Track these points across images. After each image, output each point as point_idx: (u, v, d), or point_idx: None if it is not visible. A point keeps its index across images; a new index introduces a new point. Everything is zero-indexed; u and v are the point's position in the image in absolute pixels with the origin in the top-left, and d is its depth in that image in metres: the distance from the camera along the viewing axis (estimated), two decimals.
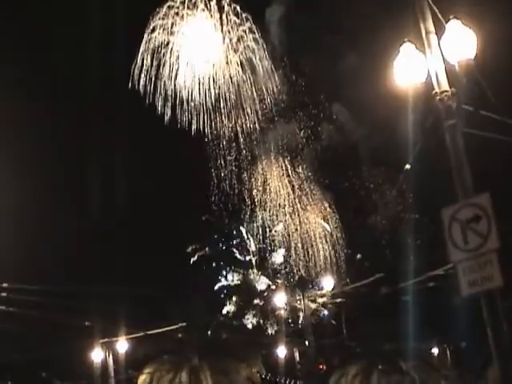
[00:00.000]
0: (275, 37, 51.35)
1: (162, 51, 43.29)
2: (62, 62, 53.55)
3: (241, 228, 60.17)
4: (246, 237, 59.91)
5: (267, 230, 56.54)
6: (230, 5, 43.31)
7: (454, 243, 10.43)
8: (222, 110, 45.89)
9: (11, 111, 43.01)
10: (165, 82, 43.91)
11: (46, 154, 50.51)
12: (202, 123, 45.98)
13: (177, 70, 43.99)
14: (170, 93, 44.37)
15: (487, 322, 10.22)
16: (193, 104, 44.94)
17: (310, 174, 55.54)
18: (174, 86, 44.22)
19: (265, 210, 55.75)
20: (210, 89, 44.58)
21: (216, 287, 60.91)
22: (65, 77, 52.63)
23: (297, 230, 55.34)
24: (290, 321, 48.22)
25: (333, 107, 55.32)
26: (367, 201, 51.95)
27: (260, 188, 55.52)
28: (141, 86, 43.56)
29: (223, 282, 61.18)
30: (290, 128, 54.95)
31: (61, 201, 50.89)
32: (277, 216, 55.60)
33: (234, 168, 52.64)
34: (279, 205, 55.46)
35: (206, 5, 43.24)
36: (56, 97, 52.42)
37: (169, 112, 44.86)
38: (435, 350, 46.79)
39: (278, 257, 58.51)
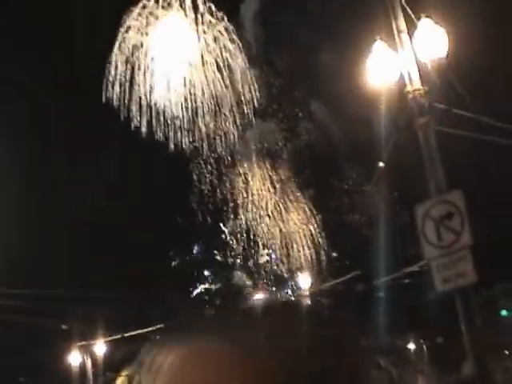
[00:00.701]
0: (251, 34, 51.36)
1: (136, 54, 43.12)
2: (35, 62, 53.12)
3: (224, 229, 60.14)
4: (228, 238, 59.87)
5: (250, 231, 56.67)
6: (204, 3, 43.16)
7: (428, 240, 10.51)
8: (200, 114, 45.81)
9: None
10: (139, 84, 43.78)
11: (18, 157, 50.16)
12: (179, 129, 45.89)
13: (151, 73, 43.85)
14: (144, 99, 44.26)
15: (461, 318, 10.32)
16: (169, 110, 44.86)
17: (289, 173, 55.67)
18: (150, 90, 44.10)
19: (247, 211, 55.83)
20: (186, 91, 44.50)
21: (197, 290, 60.80)
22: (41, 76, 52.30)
23: (281, 230, 55.48)
24: None
25: (311, 104, 55.42)
26: (346, 199, 52.15)
27: (242, 189, 55.62)
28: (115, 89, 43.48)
29: (205, 286, 61.07)
30: (268, 127, 55.00)
31: (39, 201, 50.54)
32: (260, 216, 55.71)
33: (214, 171, 52.64)
34: (261, 206, 55.57)
35: (180, 4, 43.10)
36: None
37: (144, 119, 44.80)
38: (412, 346, 47.03)
39: (261, 258, 58.55)
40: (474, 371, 9.92)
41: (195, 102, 45.19)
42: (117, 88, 43.78)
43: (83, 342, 36.85)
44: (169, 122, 45.32)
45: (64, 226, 51.19)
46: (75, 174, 51.07)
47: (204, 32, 43.12)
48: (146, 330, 34.92)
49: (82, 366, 37.37)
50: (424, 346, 47.91)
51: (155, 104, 44.51)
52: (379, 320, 37.66)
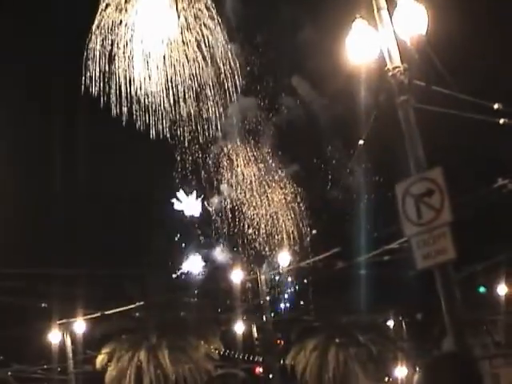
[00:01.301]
0: (230, 10, 51.13)
1: (116, 31, 42.70)
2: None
3: (208, 208, 60.28)
4: (214, 217, 60.00)
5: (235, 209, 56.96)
6: None
7: (408, 217, 10.56)
8: (180, 94, 45.54)
9: None
10: (119, 65, 43.44)
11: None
12: (161, 108, 45.64)
13: (131, 53, 43.50)
14: (124, 80, 43.93)
15: (441, 294, 10.38)
16: (150, 89, 44.59)
17: (272, 149, 55.78)
18: (129, 69, 43.79)
19: (232, 187, 56.05)
20: (166, 71, 44.18)
21: (180, 271, 60.96)
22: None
23: (264, 208, 55.67)
24: (248, 297, 48.39)
25: (292, 80, 55.41)
26: (328, 175, 52.26)
27: (226, 167, 55.71)
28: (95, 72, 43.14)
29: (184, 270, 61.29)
30: (250, 104, 54.95)
31: (20, 178, 50.43)
32: (245, 194, 55.91)
33: (197, 149, 52.51)
34: (245, 184, 55.76)
35: None
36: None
37: (125, 100, 44.54)
38: (391, 323, 47.33)
39: (243, 235, 58.81)
40: (454, 347, 10.00)
41: (176, 82, 44.92)
42: (96, 67, 43.40)
43: (63, 320, 36.79)
44: (148, 102, 45.02)
45: (44, 205, 51.20)
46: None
47: (184, 9, 42.73)
48: (126, 307, 34.90)
49: (62, 344, 37.35)
50: (403, 323, 48.24)
51: (135, 85, 44.22)
52: (359, 297, 37.92)
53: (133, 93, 44.59)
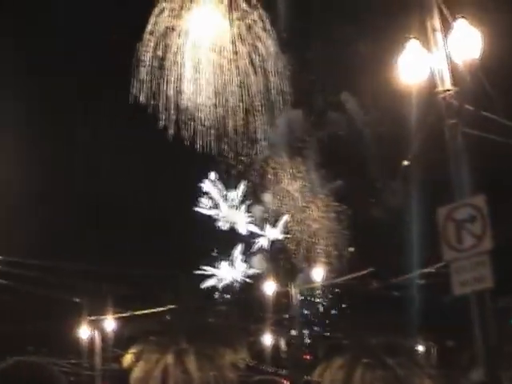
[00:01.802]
0: (284, 23, 51.18)
1: (169, 37, 42.62)
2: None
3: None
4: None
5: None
6: None
7: (448, 242, 10.46)
8: (229, 104, 45.40)
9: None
10: (170, 68, 43.43)
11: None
12: (209, 118, 45.55)
13: (182, 61, 43.47)
14: (173, 88, 43.90)
15: (475, 322, 10.25)
16: (199, 99, 44.46)
17: (314, 164, 55.83)
18: (180, 78, 43.77)
19: (274, 199, 56.31)
20: (216, 81, 44.02)
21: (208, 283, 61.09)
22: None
23: (304, 222, 55.73)
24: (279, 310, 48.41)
25: (341, 95, 55.32)
26: (371, 193, 51.98)
27: (270, 179, 55.91)
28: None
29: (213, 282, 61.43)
30: (297, 117, 54.95)
31: (53, 177, 51.01)
32: (287, 206, 56.22)
33: (242, 160, 52.39)
34: (288, 195, 55.93)
35: None
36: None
37: (172, 114, 44.56)
38: (420, 348, 46.85)
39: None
40: (483, 378, 9.86)
41: (225, 92, 44.74)
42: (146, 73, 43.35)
43: (93, 317, 37.01)
44: (195, 112, 44.89)
45: (80, 203, 51.75)
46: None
47: (237, 19, 42.67)
48: (157, 309, 35.02)
49: (91, 340, 37.57)
50: (433, 348, 47.73)
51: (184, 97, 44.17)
52: (390, 319, 37.59)
53: (181, 102, 44.51)
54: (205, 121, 45.32)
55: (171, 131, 44.95)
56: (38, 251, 36.75)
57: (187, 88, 43.91)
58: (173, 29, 42.52)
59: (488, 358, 10.04)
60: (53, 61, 51.68)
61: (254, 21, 42.95)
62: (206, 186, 61.53)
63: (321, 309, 60.35)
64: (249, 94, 45.59)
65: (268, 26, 43.39)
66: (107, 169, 51.94)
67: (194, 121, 45.19)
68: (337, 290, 55.81)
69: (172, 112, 44.24)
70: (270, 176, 56.68)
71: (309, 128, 57.29)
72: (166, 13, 42.06)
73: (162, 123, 44.46)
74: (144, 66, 42.80)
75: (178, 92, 43.99)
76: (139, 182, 52.49)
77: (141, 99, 43.10)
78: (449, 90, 11.34)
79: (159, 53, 42.73)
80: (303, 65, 53.99)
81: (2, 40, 45.65)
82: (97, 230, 51.61)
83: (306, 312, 56.70)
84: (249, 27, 43.23)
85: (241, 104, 45.69)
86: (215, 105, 44.77)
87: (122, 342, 37.74)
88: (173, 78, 43.60)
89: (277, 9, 50.72)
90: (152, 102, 43.55)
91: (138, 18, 43.20)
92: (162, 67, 43.26)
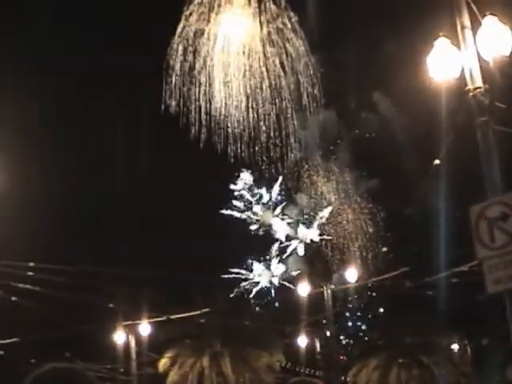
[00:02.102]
0: (315, 23, 51.12)
1: (197, 40, 42.55)
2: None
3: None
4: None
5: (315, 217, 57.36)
6: None
7: (481, 241, 10.43)
8: (260, 107, 45.25)
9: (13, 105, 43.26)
10: (200, 73, 43.40)
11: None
12: (241, 124, 45.45)
13: (211, 64, 43.38)
14: (204, 92, 43.85)
15: (510, 321, 10.22)
16: (229, 103, 44.35)
17: (348, 164, 55.83)
18: (210, 82, 43.72)
19: (309, 199, 56.46)
20: (246, 83, 43.90)
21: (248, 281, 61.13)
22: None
23: (339, 223, 55.79)
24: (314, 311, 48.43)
25: (374, 95, 55.17)
26: (405, 192, 51.68)
27: (303, 180, 56.03)
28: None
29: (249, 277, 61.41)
30: (329, 117, 54.89)
31: (87, 186, 51.51)
32: (321, 205, 56.36)
33: (275, 160, 52.23)
34: (322, 196, 56.06)
35: None
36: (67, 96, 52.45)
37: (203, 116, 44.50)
38: (455, 346, 46.55)
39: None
40: None
41: (255, 95, 44.57)
42: (176, 80, 43.31)
43: (128, 322, 37.22)
44: (226, 117, 44.79)
45: (109, 206, 52.17)
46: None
47: (267, 21, 42.50)
48: (191, 313, 35.14)
49: (126, 345, 37.77)
50: (468, 347, 47.43)
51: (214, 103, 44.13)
52: (425, 318, 37.42)
53: (212, 106, 44.47)
54: (236, 125, 45.25)
55: (203, 136, 44.87)
56: (71, 257, 37.12)
57: (218, 92, 43.88)
58: (201, 33, 42.46)
59: None
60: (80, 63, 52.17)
61: (283, 23, 42.74)
62: (239, 186, 61.60)
63: (355, 310, 60.19)
64: (280, 97, 45.49)
65: (297, 27, 43.10)
66: (137, 172, 52.32)
67: (227, 126, 45.12)
68: (370, 292, 55.58)
69: (203, 117, 44.19)
70: (303, 178, 56.70)
71: (342, 129, 57.25)
72: (195, 16, 41.98)
73: (193, 132, 44.42)
74: (173, 71, 42.78)
75: (208, 97, 43.97)
76: (172, 187, 52.83)
77: (172, 106, 43.07)
78: (479, 88, 11.30)
79: (188, 57, 42.68)
80: (334, 65, 53.97)
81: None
82: (131, 234, 51.94)
83: (341, 313, 56.58)
84: (278, 29, 43.06)
85: (272, 106, 45.58)
86: (246, 108, 44.67)
87: (157, 346, 37.91)
88: (203, 83, 43.58)
89: (306, 9, 50.70)
90: (183, 108, 43.49)
91: (164, 22, 43.40)
92: (191, 73, 43.23)
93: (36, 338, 34.69)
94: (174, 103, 43.00)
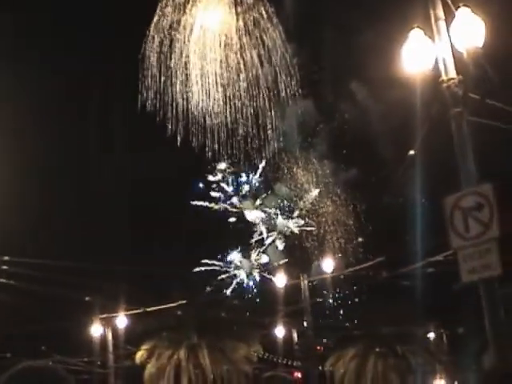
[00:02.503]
0: (290, 13, 51.01)
1: (173, 33, 42.38)
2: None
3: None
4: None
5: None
6: None
7: (456, 230, 10.52)
8: (237, 99, 45.17)
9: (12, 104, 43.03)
10: (175, 63, 43.25)
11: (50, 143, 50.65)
12: (219, 116, 45.32)
13: (187, 56, 43.25)
14: (180, 85, 43.70)
15: (485, 309, 10.32)
16: (206, 96, 44.22)
17: (325, 154, 55.88)
18: (185, 67, 43.57)
19: (288, 190, 56.51)
20: (222, 75, 43.81)
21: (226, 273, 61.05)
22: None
23: (317, 214, 55.89)
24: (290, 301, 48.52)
25: (351, 85, 55.19)
26: (380, 183, 51.84)
27: (282, 170, 56.05)
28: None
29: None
30: (307, 107, 54.84)
31: (61, 177, 51.27)
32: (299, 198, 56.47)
33: (253, 153, 52.23)
34: (300, 186, 56.05)
35: None
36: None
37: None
38: (431, 335, 46.84)
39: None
40: (495, 364, 9.93)
41: (232, 86, 44.51)
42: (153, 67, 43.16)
43: (105, 315, 37.15)
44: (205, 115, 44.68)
45: (85, 200, 52.02)
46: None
47: (243, 12, 42.41)
48: (168, 305, 35.12)
49: (103, 338, 37.70)
50: (444, 336, 47.77)
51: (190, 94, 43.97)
52: (400, 308, 37.63)
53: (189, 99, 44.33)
54: (214, 117, 45.18)
55: (180, 130, 44.76)
56: (47, 251, 36.95)
57: (195, 83, 43.79)
58: (178, 24, 42.32)
59: (498, 343, 10.12)
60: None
61: (259, 13, 42.64)
62: (217, 178, 61.37)
63: (332, 300, 60.36)
64: (258, 88, 45.45)
65: (273, 18, 43.05)
66: (116, 167, 52.17)
67: (204, 118, 45.03)
68: (348, 281, 55.72)
69: (180, 111, 44.09)
70: (283, 169, 56.68)
71: (319, 119, 57.23)
72: (169, 9, 41.83)
73: (170, 129, 44.31)
74: (150, 64, 42.63)
75: (185, 90, 43.87)
76: (146, 182, 52.62)
77: (148, 102, 42.96)
78: (453, 79, 11.37)
79: (164, 49, 42.56)
80: (311, 55, 53.91)
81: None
82: (106, 227, 51.78)
83: (317, 303, 56.79)
84: (254, 19, 42.96)
85: (250, 98, 45.54)
86: (224, 99, 44.62)
87: (134, 338, 37.87)
88: (179, 74, 43.48)
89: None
90: (159, 103, 43.39)
91: (140, 15, 43.24)
92: (167, 65, 43.10)
93: (11, 333, 34.53)
94: (151, 95, 42.94)
